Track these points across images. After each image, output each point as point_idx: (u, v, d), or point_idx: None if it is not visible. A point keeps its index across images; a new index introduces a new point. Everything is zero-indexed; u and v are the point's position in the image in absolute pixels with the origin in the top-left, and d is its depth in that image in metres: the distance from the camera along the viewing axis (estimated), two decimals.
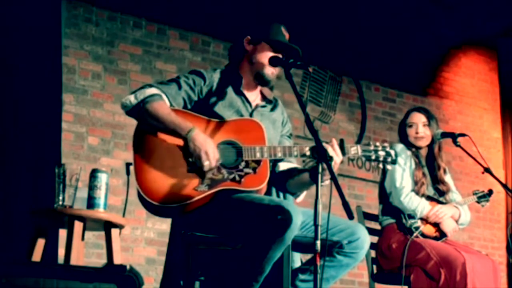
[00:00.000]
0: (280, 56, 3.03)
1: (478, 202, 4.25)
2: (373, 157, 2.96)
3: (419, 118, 4.13)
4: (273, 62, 3.01)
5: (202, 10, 5.71)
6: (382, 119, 6.79)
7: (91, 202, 3.53)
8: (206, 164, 2.80)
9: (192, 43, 5.79)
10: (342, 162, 2.92)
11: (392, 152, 2.98)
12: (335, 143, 2.87)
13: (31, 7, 5.21)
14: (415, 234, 3.91)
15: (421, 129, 4.10)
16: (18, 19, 5.23)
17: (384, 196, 4.09)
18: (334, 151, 2.83)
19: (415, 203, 3.94)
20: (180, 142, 2.85)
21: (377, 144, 2.99)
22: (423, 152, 4.17)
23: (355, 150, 2.94)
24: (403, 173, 4.00)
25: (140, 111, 2.86)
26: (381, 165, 3.00)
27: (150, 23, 5.61)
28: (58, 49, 5.16)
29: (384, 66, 6.75)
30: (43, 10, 5.23)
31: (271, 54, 3.03)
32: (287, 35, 3.08)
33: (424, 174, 4.06)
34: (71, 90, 5.19)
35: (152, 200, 2.80)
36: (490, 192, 4.27)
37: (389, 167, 3.02)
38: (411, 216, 3.96)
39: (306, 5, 6.09)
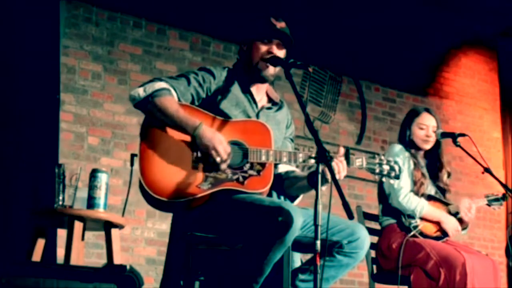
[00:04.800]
0: (275, 48, 3.03)
1: (488, 205, 4.21)
2: (377, 171, 2.98)
3: (431, 122, 4.09)
4: (273, 62, 3.01)
5: (202, 10, 5.71)
6: (382, 119, 6.79)
7: (91, 202, 3.53)
8: (217, 159, 2.80)
9: (192, 43, 5.79)
10: None
11: (396, 167, 3.00)
12: (343, 160, 2.85)
13: (30, 7, 5.20)
14: (412, 233, 3.89)
15: (431, 133, 4.08)
16: (17, 19, 5.22)
17: (384, 197, 4.09)
18: (338, 168, 2.82)
19: (414, 203, 3.93)
20: (186, 138, 2.85)
21: (382, 157, 3.01)
22: (422, 153, 4.15)
23: (360, 162, 2.95)
24: (401, 174, 3.98)
25: (148, 105, 2.86)
26: (384, 179, 3.02)
27: (150, 23, 5.61)
28: (56, 49, 5.16)
29: (384, 66, 6.75)
30: (42, 10, 5.22)
31: (264, 47, 3.03)
32: (279, 24, 3.07)
33: (423, 174, 4.05)
34: (71, 90, 5.19)
35: (154, 193, 2.80)
36: (504, 196, 4.20)
37: (391, 181, 3.05)
38: (411, 216, 3.96)
39: (306, 5, 6.08)
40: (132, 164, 3.85)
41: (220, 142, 2.81)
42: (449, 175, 4.18)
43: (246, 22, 3.26)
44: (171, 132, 2.87)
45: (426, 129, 4.08)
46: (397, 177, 3.01)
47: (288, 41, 3.06)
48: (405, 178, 3.98)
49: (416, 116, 4.13)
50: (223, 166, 2.83)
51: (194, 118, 2.85)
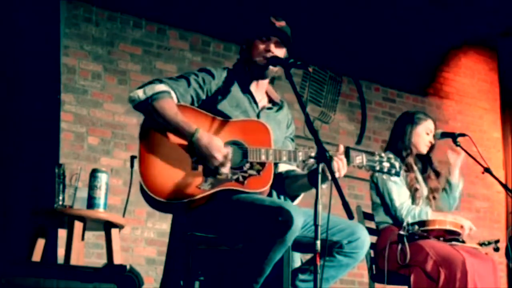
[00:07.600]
0: (274, 46, 3.02)
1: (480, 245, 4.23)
2: (378, 168, 2.96)
3: (433, 128, 4.13)
4: (273, 62, 3.01)
5: (202, 10, 5.71)
6: (382, 119, 6.79)
7: (91, 202, 3.53)
8: (216, 164, 2.81)
9: (192, 43, 5.79)
10: None
11: (397, 164, 2.99)
12: (343, 158, 2.85)
13: (30, 7, 5.20)
14: (405, 233, 3.87)
15: (432, 139, 4.11)
16: (17, 19, 5.22)
17: (384, 208, 4.07)
18: (338, 166, 2.82)
19: (417, 215, 3.92)
20: (185, 140, 2.86)
21: (382, 154, 2.99)
22: (414, 158, 4.15)
23: (360, 159, 2.93)
24: (399, 188, 3.97)
25: (147, 107, 2.87)
26: (385, 176, 3.01)
27: (150, 23, 5.61)
28: (57, 49, 5.16)
29: (384, 66, 6.75)
30: (42, 10, 5.22)
31: (262, 45, 3.03)
32: (278, 23, 3.07)
33: (417, 181, 4.05)
34: (71, 90, 5.19)
35: (154, 195, 2.81)
36: (497, 241, 4.17)
37: (392, 178, 3.03)
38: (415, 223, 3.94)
39: (307, 5, 6.08)
40: (132, 166, 3.86)
41: (218, 148, 2.81)
42: (438, 175, 4.19)
43: (246, 21, 3.27)
44: (171, 133, 2.87)
45: (431, 135, 4.11)
46: (397, 174, 2.99)
47: (287, 39, 3.05)
48: (403, 192, 3.97)
49: (423, 120, 4.15)
50: (224, 170, 2.83)
51: (191, 122, 2.85)
